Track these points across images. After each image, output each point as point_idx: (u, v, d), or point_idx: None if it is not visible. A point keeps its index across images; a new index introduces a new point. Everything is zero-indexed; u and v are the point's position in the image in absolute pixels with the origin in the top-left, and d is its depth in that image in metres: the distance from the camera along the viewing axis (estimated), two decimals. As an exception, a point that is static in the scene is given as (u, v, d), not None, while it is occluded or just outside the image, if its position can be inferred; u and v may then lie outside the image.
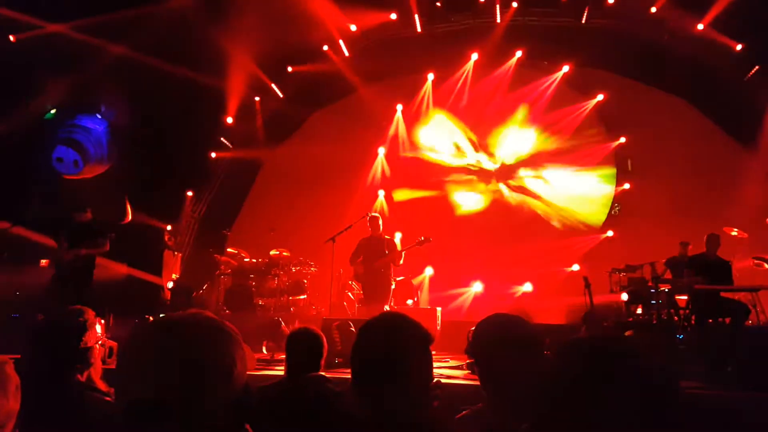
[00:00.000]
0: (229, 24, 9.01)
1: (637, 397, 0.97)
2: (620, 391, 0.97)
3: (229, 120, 10.76)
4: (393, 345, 1.60)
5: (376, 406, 1.55)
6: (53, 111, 9.47)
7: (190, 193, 10.88)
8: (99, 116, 9.71)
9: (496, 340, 1.73)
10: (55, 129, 9.36)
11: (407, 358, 1.59)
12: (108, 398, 2.06)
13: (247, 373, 1.07)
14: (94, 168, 9.46)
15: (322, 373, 2.93)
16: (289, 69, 10.91)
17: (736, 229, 8.42)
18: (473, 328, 1.87)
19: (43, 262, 6.81)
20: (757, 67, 9.61)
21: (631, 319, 7.81)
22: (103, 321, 2.46)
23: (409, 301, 9.03)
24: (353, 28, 10.43)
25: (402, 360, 1.58)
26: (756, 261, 8.18)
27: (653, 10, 9.72)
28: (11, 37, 8.89)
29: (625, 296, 8.01)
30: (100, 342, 2.28)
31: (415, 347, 1.62)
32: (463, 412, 2.06)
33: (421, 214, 10.91)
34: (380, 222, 7.67)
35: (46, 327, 2.20)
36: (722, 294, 6.86)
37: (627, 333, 5.99)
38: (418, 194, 11.57)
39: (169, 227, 10.27)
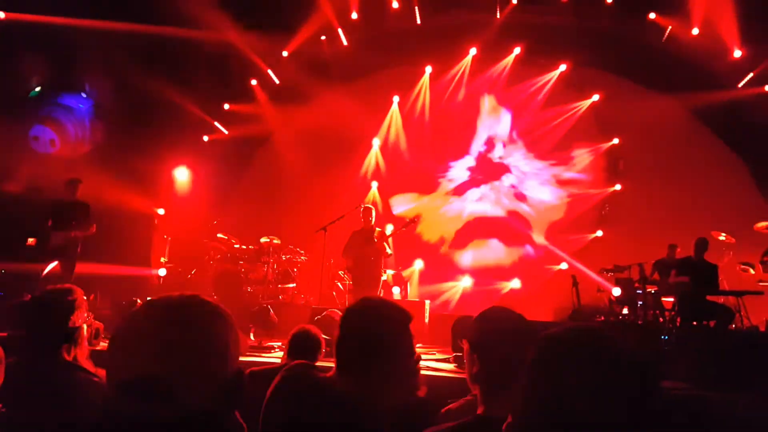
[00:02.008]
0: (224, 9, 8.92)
1: (616, 389, 0.97)
2: (598, 384, 0.98)
3: (226, 106, 10.69)
4: (374, 326, 1.63)
5: (362, 388, 1.56)
6: (38, 89, 9.26)
7: (182, 177, 10.79)
8: (83, 95, 9.51)
9: (500, 333, 1.73)
10: (36, 107, 9.16)
11: (389, 338, 1.62)
12: (96, 378, 2.05)
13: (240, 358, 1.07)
14: (73, 147, 9.26)
15: (307, 362, 2.92)
16: (284, 54, 10.82)
17: (724, 234, 8.51)
18: (471, 323, 1.85)
19: (30, 240, 6.73)
20: (752, 74, 9.69)
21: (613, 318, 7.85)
22: (88, 302, 2.44)
23: (396, 289, 9.02)
24: (354, 16, 10.37)
25: (384, 340, 1.61)
26: (742, 267, 8.27)
27: (652, 16, 9.76)
28: (1, 13, 8.72)
29: (617, 291, 8.00)
30: (87, 323, 2.27)
31: (395, 326, 1.64)
32: (450, 404, 2.06)
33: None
34: (373, 213, 7.63)
35: (35, 306, 2.18)
36: (708, 297, 6.93)
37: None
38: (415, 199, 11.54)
39: (160, 211, 10.19)
